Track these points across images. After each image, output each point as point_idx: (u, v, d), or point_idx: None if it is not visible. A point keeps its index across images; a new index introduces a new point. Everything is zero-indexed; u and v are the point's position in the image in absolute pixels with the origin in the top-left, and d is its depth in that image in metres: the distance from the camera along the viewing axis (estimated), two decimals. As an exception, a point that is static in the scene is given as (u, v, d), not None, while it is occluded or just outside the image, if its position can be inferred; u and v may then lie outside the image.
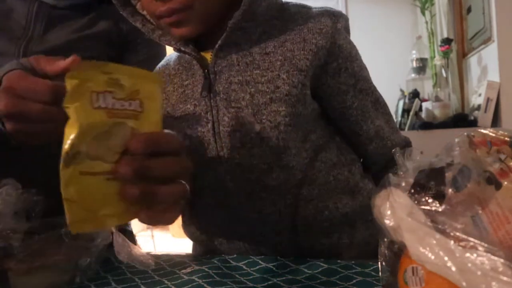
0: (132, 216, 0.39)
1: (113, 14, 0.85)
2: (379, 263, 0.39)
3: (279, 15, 0.59)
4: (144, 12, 0.60)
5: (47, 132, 0.45)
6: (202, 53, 0.58)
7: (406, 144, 0.67)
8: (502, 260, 0.29)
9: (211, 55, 0.56)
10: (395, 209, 0.35)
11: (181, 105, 0.59)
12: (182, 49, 0.56)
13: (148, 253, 0.63)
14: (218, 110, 0.55)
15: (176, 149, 0.41)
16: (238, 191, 0.57)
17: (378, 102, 0.63)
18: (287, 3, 0.61)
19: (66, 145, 0.34)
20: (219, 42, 0.54)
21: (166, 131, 0.43)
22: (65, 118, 0.35)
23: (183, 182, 0.41)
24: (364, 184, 0.63)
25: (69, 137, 0.34)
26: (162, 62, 0.69)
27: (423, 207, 0.34)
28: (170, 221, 0.40)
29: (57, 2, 0.78)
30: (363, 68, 0.62)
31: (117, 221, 0.38)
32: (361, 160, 0.66)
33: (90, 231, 0.40)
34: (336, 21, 0.57)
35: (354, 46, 0.61)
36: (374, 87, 0.64)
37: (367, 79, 0.62)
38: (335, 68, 0.58)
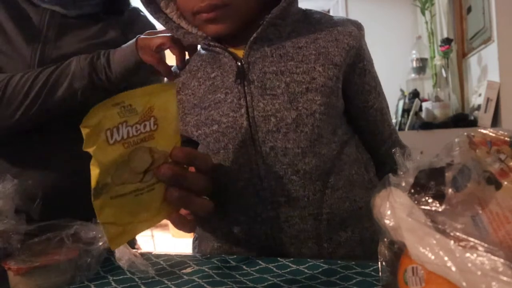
0: (162, 218, 0.45)
1: (121, 25, 0.88)
2: (379, 263, 0.39)
3: (304, 19, 0.62)
4: (168, 11, 0.62)
5: None
6: (231, 49, 0.60)
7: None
8: (502, 260, 0.29)
9: (245, 47, 0.58)
10: (395, 209, 0.35)
11: (210, 95, 0.59)
12: (212, 44, 0.58)
13: (148, 253, 0.63)
14: (253, 97, 0.56)
15: (208, 169, 0.46)
16: (269, 174, 0.57)
17: (388, 108, 0.69)
18: (309, 10, 0.65)
19: (92, 182, 0.39)
20: (254, 35, 0.56)
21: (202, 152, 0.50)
22: None
23: (208, 199, 0.46)
24: (376, 182, 0.66)
25: (93, 176, 0.38)
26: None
27: (423, 207, 0.34)
28: (192, 229, 0.45)
29: (67, 12, 0.82)
30: (377, 74, 0.69)
31: (148, 225, 0.44)
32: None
33: (128, 241, 0.45)
34: (360, 28, 0.63)
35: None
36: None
37: (381, 85, 0.68)
38: (361, 68, 0.62)
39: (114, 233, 0.41)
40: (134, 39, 0.70)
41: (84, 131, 0.37)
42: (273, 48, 0.58)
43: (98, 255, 0.55)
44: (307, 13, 0.64)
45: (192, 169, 0.46)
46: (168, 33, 0.65)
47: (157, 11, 0.61)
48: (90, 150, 0.38)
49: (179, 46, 0.65)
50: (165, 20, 0.60)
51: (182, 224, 0.45)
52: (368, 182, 0.64)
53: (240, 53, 0.59)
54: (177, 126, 0.44)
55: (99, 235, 0.54)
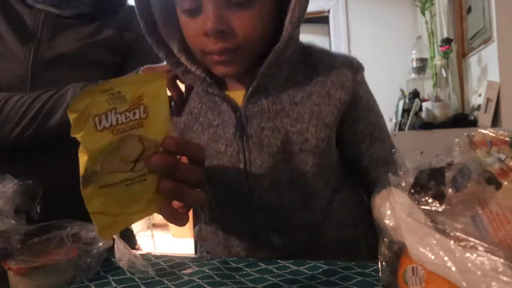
0: (154, 210, 0.43)
1: (117, 24, 0.87)
2: (379, 263, 0.39)
3: (303, 58, 0.62)
4: (171, 43, 0.61)
5: None
6: (228, 93, 0.60)
7: None
8: (502, 260, 0.29)
9: (243, 100, 0.59)
10: (395, 209, 0.35)
11: (213, 144, 0.61)
12: (210, 90, 0.59)
13: (148, 254, 0.63)
14: (250, 153, 0.59)
15: (201, 159, 0.44)
16: (265, 225, 0.63)
17: (391, 151, 0.67)
18: (309, 46, 0.64)
19: (81, 170, 0.37)
20: (251, 88, 0.57)
21: (195, 142, 0.47)
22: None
23: (201, 191, 0.44)
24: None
25: (82, 163, 0.37)
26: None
27: (423, 207, 0.34)
28: (183, 223, 0.43)
29: (62, 12, 0.81)
30: (379, 116, 0.66)
31: (140, 216, 0.42)
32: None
33: (119, 232, 0.44)
34: (356, 72, 0.61)
35: (371, 96, 0.65)
36: (389, 135, 0.67)
37: (382, 128, 0.66)
38: (353, 118, 0.62)
39: (104, 224, 0.39)
40: (135, 71, 0.69)
41: (71, 116, 0.36)
42: (270, 102, 0.59)
43: (98, 255, 0.55)
44: (307, 53, 0.62)
45: (184, 159, 0.44)
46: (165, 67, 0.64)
47: (158, 43, 0.60)
48: (78, 136, 0.37)
49: (176, 84, 0.64)
50: (166, 55, 0.60)
51: (174, 217, 0.42)
52: (359, 220, 0.67)
53: (238, 96, 0.59)
54: (168, 116, 0.42)
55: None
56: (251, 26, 0.54)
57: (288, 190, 0.60)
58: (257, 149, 0.59)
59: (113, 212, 0.40)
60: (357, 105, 0.61)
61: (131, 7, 0.92)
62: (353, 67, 0.61)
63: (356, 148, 0.64)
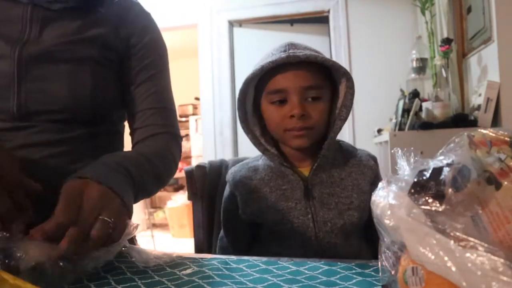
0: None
1: (111, 19, 0.84)
2: (379, 263, 0.39)
3: (339, 149, 0.89)
4: (255, 129, 0.86)
5: None
6: (298, 168, 0.86)
7: None
8: (502, 260, 0.29)
9: (307, 167, 0.85)
10: (395, 209, 0.35)
11: (283, 203, 0.83)
12: (285, 164, 0.84)
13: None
14: (315, 208, 0.82)
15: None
16: (322, 257, 0.79)
17: None
18: (340, 141, 0.92)
19: None
20: (315, 165, 0.83)
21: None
22: None
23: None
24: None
25: None
26: (249, 166, 0.89)
27: (423, 207, 0.34)
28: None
29: (50, 4, 0.78)
30: None
31: None
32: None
33: None
34: (376, 162, 0.89)
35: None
36: None
37: None
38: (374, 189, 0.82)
39: None
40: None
41: None
42: (326, 176, 0.84)
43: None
44: (340, 144, 0.91)
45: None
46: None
47: (248, 131, 0.85)
48: None
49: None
50: (252, 137, 0.85)
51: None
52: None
53: (304, 171, 0.85)
54: None
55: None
56: (320, 113, 0.80)
57: (341, 233, 0.82)
58: (320, 206, 0.82)
59: None
60: (378, 181, 0.75)
61: (125, 1, 0.89)
62: (374, 158, 0.90)
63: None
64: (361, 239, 0.89)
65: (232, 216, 0.89)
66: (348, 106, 0.82)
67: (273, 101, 0.81)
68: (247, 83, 0.81)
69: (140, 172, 0.72)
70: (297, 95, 0.78)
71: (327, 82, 0.83)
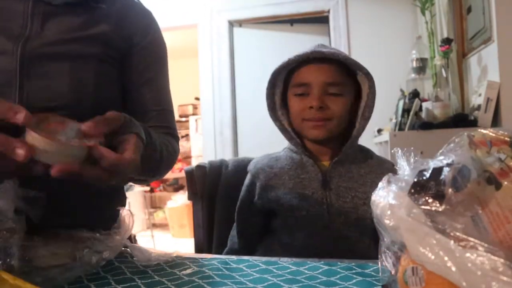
0: None
1: (112, 17, 0.83)
2: (379, 263, 0.39)
3: (360, 150, 0.93)
4: (282, 118, 0.93)
5: None
6: (319, 162, 0.90)
7: None
8: (502, 260, 0.29)
9: (327, 160, 0.90)
10: (395, 209, 0.35)
11: (300, 190, 0.86)
12: (306, 154, 0.89)
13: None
14: (331, 200, 0.85)
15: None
16: (334, 249, 0.85)
17: None
18: (361, 145, 0.95)
19: None
20: (336, 159, 0.87)
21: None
22: None
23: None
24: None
25: None
26: (271, 157, 0.95)
27: (423, 207, 0.34)
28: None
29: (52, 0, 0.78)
30: None
31: None
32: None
33: None
34: (394, 166, 0.83)
35: None
36: None
37: None
38: None
39: None
40: None
41: None
42: (345, 171, 0.88)
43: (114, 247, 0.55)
44: (361, 146, 0.95)
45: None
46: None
47: (275, 118, 0.92)
48: None
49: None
50: (281, 127, 0.92)
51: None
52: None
53: (324, 164, 0.89)
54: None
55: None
56: (339, 106, 0.85)
57: (355, 226, 0.84)
58: (335, 198, 0.85)
59: None
60: None
61: None
62: (391, 163, 0.93)
63: None
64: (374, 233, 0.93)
65: (247, 206, 0.92)
66: (370, 106, 0.87)
67: (296, 94, 0.88)
68: (274, 75, 0.90)
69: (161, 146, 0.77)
70: (319, 89, 0.84)
71: (350, 81, 0.87)
